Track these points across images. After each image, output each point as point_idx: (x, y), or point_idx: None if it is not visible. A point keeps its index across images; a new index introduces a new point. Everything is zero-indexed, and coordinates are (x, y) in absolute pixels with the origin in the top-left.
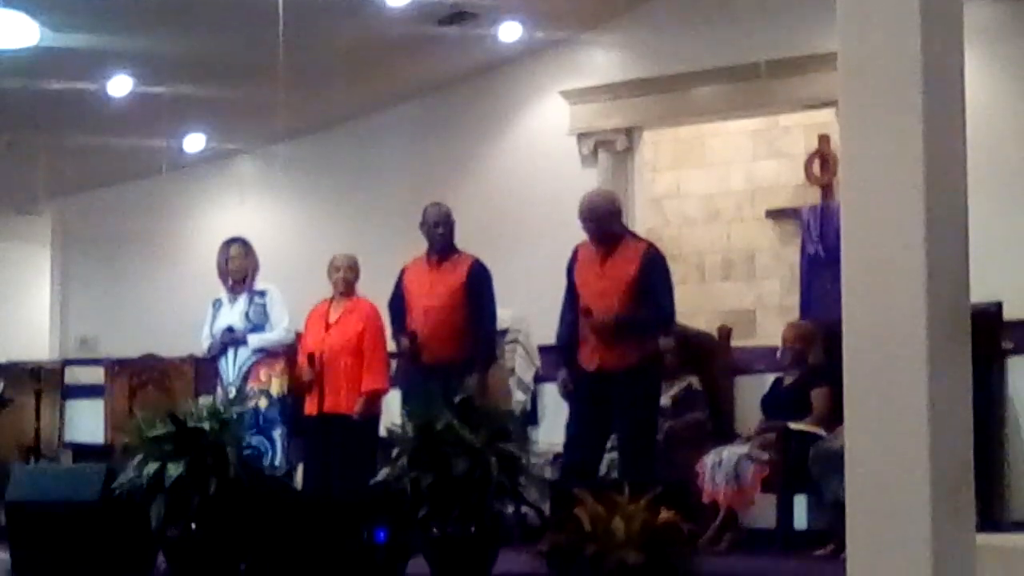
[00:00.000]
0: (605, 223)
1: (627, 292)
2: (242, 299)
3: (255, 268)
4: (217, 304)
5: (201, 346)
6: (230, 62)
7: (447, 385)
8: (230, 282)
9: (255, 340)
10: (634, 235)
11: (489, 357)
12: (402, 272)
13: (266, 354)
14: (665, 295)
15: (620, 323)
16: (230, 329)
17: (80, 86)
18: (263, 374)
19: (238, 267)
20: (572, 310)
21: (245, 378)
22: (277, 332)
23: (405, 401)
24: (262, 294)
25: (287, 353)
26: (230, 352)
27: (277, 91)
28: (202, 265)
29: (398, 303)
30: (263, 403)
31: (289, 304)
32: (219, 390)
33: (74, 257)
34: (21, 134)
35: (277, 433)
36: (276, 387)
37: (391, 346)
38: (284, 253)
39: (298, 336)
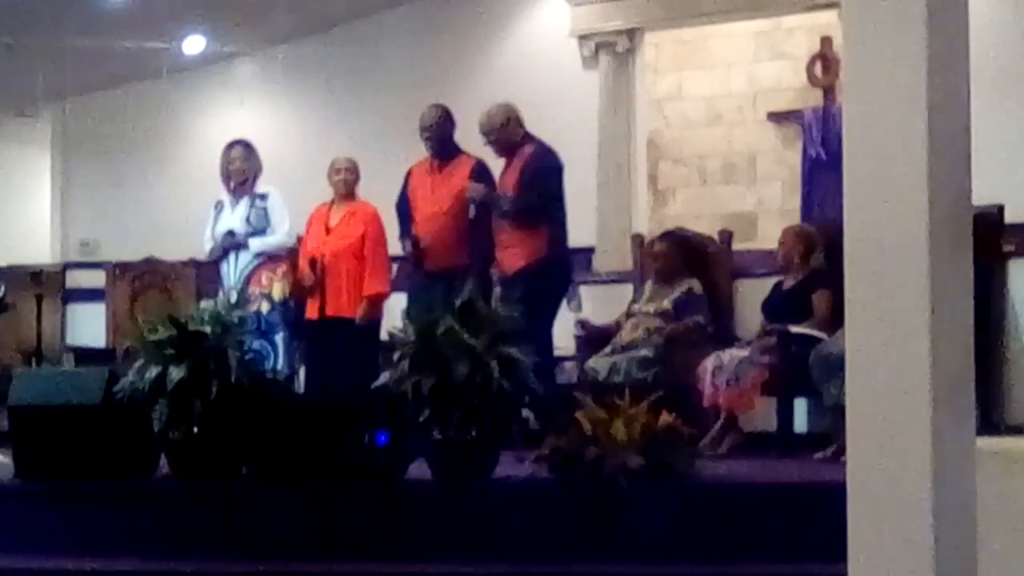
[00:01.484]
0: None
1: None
2: (243, 202)
3: (257, 171)
4: (219, 206)
5: (203, 248)
6: None
7: (450, 289)
8: (232, 184)
9: (256, 244)
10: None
11: (491, 261)
12: (408, 174)
13: (267, 258)
14: None
15: None
16: (231, 233)
17: None
18: (264, 278)
19: (239, 169)
20: None
21: (247, 282)
22: (278, 236)
23: (410, 306)
24: (263, 197)
25: (289, 257)
26: (231, 256)
27: None
28: (202, 168)
29: (403, 206)
30: (264, 307)
31: (289, 208)
32: (221, 293)
33: (74, 160)
34: (20, 37)
35: (279, 337)
36: (278, 291)
37: (395, 249)
38: (284, 156)
39: (299, 240)
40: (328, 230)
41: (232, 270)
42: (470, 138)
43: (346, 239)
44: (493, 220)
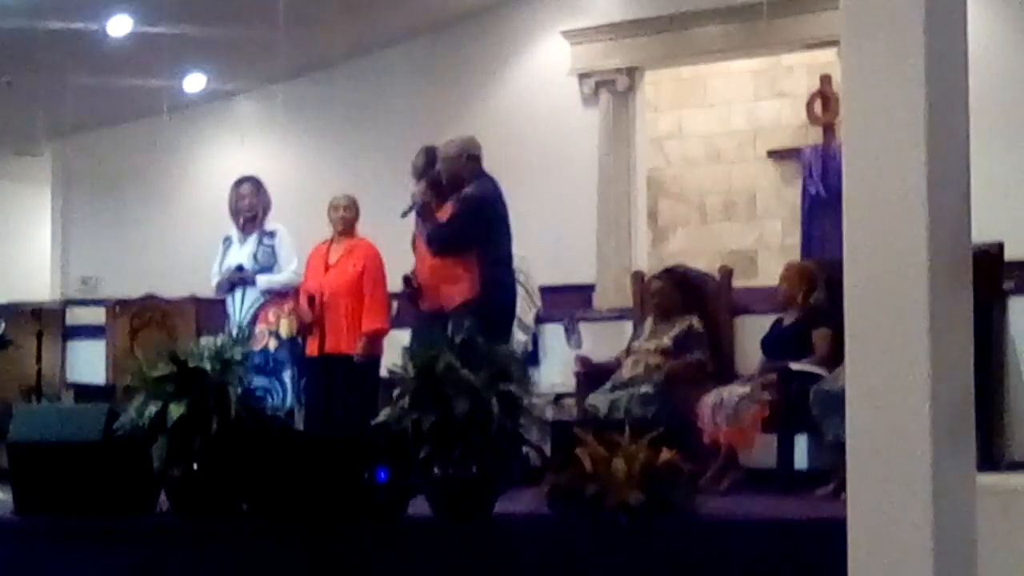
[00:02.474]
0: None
1: None
2: (252, 239)
3: (266, 207)
4: (227, 242)
5: (210, 283)
6: (230, 2)
7: (446, 326)
8: (241, 221)
9: (263, 281)
10: None
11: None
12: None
13: (275, 295)
14: None
15: None
16: (240, 268)
17: (80, 26)
18: (272, 315)
19: (248, 206)
20: None
21: (254, 319)
22: (286, 274)
23: (412, 342)
24: (271, 235)
25: (296, 295)
26: (238, 292)
27: (277, 31)
28: (203, 205)
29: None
30: (272, 344)
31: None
32: (227, 329)
33: (75, 198)
34: (21, 74)
35: (287, 375)
36: (285, 328)
37: (394, 286)
38: (284, 193)
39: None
40: (327, 267)
41: (239, 306)
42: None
43: (345, 276)
44: (420, 259)
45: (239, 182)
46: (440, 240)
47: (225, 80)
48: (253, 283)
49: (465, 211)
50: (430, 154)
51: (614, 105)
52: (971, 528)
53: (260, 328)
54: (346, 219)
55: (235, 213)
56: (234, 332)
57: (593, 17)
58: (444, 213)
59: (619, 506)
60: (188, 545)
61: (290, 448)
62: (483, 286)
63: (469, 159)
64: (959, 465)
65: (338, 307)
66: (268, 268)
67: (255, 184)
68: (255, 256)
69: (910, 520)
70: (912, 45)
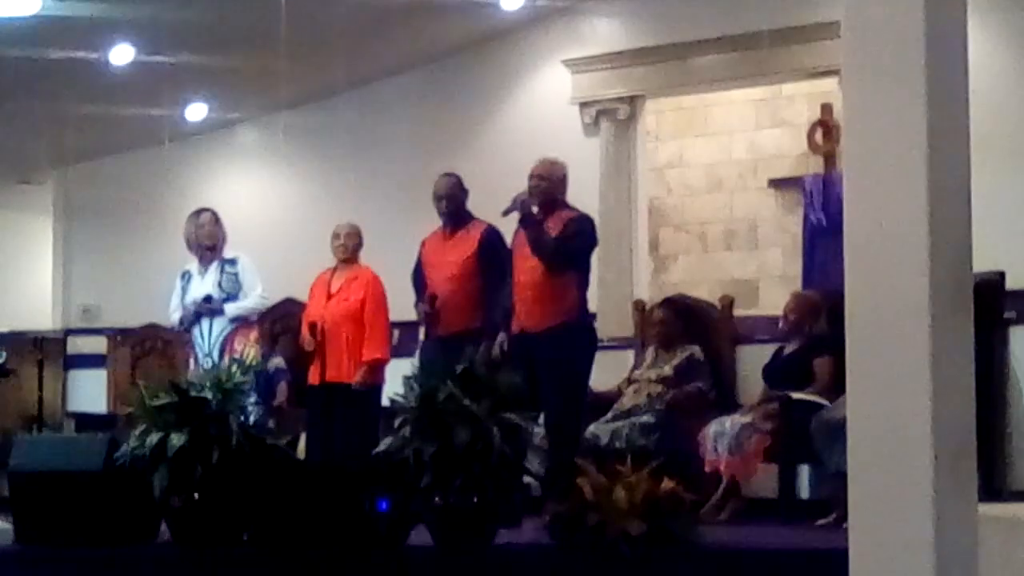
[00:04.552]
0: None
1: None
2: (213, 268)
3: (224, 237)
4: (186, 276)
5: (170, 319)
6: (232, 30)
7: (461, 355)
8: (201, 251)
9: (231, 309)
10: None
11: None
12: (421, 245)
13: (241, 323)
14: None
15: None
16: (207, 299)
17: (82, 55)
18: (238, 343)
19: (208, 234)
20: None
21: (222, 348)
22: (252, 299)
23: (420, 371)
24: (232, 262)
25: (262, 322)
26: (205, 323)
27: (279, 60)
28: None
29: (418, 276)
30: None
31: (292, 274)
32: (192, 361)
33: (76, 227)
34: (23, 103)
35: (250, 401)
36: (251, 357)
37: (396, 315)
38: (287, 222)
39: (302, 306)
40: (329, 295)
41: (206, 337)
42: (473, 205)
43: (346, 304)
44: (520, 271)
45: (196, 213)
46: (564, 254)
47: (227, 109)
48: (222, 312)
49: (583, 230)
50: (453, 182)
51: (615, 134)
52: (973, 558)
53: (227, 357)
54: (347, 247)
55: (195, 244)
56: (204, 363)
57: (594, 46)
58: (552, 229)
59: (620, 536)
60: (189, 575)
61: (291, 477)
62: (581, 308)
63: (564, 182)
64: (961, 495)
65: (339, 335)
66: (233, 296)
67: (213, 215)
68: (219, 284)
69: (912, 550)
70: (913, 74)
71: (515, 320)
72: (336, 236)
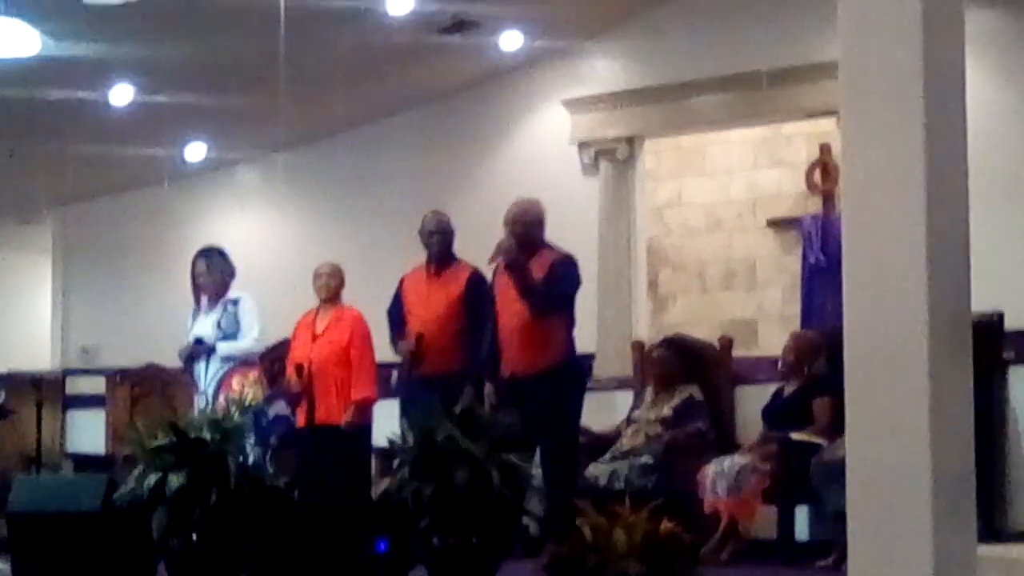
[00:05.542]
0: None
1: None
2: (217, 307)
3: (232, 273)
4: (195, 313)
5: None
6: (231, 71)
7: (445, 396)
8: (203, 295)
9: (224, 348)
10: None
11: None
12: (401, 281)
13: (239, 363)
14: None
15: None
16: (199, 341)
17: (81, 95)
18: (236, 383)
19: (204, 285)
20: None
21: (219, 387)
22: (246, 341)
23: (404, 412)
24: (235, 302)
25: (262, 362)
26: (203, 361)
27: (278, 100)
28: None
29: (396, 312)
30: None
31: (287, 314)
32: (195, 398)
33: (75, 266)
34: (23, 143)
35: (249, 442)
36: (250, 396)
37: (382, 355)
38: (284, 262)
39: (289, 347)
40: (315, 336)
41: (204, 375)
42: (471, 245)
43: (332, 345)
44: (506, 315)
45: (196, 258)
46: (553, 299)
47: (226, 149)
48: (213, 351)
49: (569, 272)
50: (444, 219)
51: (614, 174)
52: None
53: (224, 395)
54: (328, 286)
55: (196, 287)
56: (200, 402)
57: (593, 86)
58: (537, 271)
59: None
60: None
61: (290, 518)
62: (569, 349)
63: (542, 222)
64: (960, 536)
65: (326, 376)
66: (232, 335)
67: (207, 260)
68: (219, 323)
69: None
70: (911, 114)
71: (504, 364)
72: (318, 276)
